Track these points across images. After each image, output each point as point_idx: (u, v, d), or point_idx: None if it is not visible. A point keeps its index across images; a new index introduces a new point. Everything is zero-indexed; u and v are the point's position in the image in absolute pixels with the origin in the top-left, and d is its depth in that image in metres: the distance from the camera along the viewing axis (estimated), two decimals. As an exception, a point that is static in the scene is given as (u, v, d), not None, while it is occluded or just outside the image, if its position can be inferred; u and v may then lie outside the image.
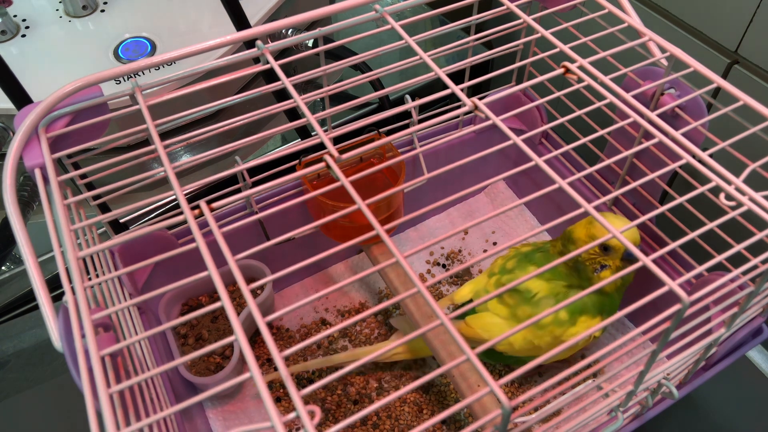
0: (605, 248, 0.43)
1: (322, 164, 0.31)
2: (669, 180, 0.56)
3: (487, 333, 0.46)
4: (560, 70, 0.35)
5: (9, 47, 0.64)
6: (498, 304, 0.46)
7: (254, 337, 0.54)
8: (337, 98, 0.67)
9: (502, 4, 0.41)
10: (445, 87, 0.35)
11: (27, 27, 0.66)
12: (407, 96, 0.48)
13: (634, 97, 0.33)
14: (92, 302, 0.30)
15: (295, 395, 0.22)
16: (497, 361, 0.49)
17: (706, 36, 0.67)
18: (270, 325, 0.54)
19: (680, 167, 0.32)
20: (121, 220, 0.48)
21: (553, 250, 0.47)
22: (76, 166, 0.38)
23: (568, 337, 0.44)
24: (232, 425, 0.48)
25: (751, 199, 0.28)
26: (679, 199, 0.30)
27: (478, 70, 0.69)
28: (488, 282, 0.48)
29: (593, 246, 0.27)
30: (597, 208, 0.28)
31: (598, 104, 0.35)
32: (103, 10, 0.68)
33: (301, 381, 0.51)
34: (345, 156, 0.31)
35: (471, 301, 0.48)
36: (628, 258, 0.43)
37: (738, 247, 0.29)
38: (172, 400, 0.43)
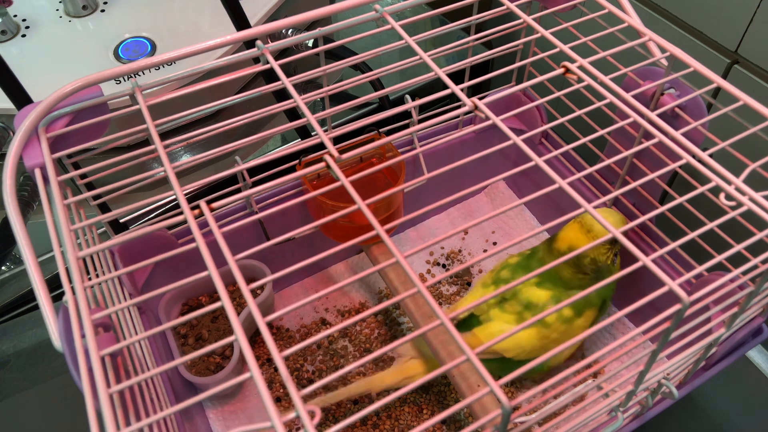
0: (614, 241, 0.44)
1: (322, 164, 0.31)
2: (669, 180, 0.56)
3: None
4: (560, 70, 0.35)
5: (9, 47, 0.64)
6: (501, 313, 0.46)
7: (254, 337, 0.54)
8: (337, 98, 0.67)
9: (502, 4, 0.41)
10: (445, 87, 0.35)
11: (27, 27, 0.66)
12: (407, 96, 0.48)
13: (634, 97, 0.33)
14: (92, 302, 0.30)
15: (295, 395, 0.22)
16: (511, 371, 0.48)
17: (706, 36, 0.67)
18: (270, 325, 0.54)
19: (680, 167, 0.32)
20: (121, 220, 0.48)
21: (548, 259, 0.47)
22: (76, 166, 0.38)
23: (576, 329, 0.45)
24: (232, 425, 0.48)
25: (751, 199, 0.28)
26: (679, 199, 0.30)
27: (478, 70, 0.69)
28: (484, 293, 0.49)
29: (588, 248, 0.27)
30: (597, 209, 0.28)
31: (598, 104, 0.35)
32: (103, 10, 0.68)
33: (301, 381, 0.51)
34: (345, 156, 0.31)
35: (472, 314, 0.48)
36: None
37: (738, 247, 0.29)
38: (172, 400, 0.43)
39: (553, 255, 0.46)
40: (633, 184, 0.31)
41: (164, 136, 0.34)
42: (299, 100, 0.34)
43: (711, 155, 0.31)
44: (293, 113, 0.54)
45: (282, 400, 0.50)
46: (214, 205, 0.29)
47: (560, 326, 0.45)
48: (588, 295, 0.44)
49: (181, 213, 0.29)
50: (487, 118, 0.32)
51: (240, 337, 0.24)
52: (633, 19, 0.39)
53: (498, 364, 0.47)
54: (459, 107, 0.35)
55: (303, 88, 0.70)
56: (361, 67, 0.61)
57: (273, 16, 0.67)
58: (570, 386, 0.28)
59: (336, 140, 0.34)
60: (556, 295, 0.45)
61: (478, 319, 0.47)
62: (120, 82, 0.59)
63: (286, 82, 0.35)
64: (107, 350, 0.25)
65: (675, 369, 0.35)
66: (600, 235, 0.44)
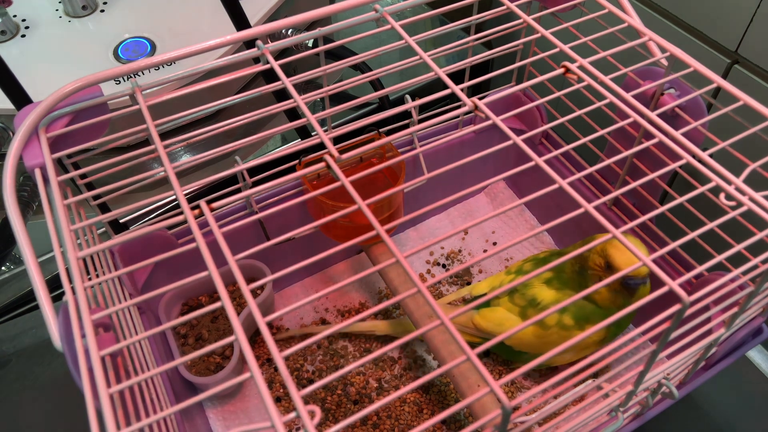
0: (609, 266, 0.43)
1: (322, 164, 0.31)
2: (669, 180, 0.56)
3: (498, 327, 0.47)
4: (560, 70, 0.35)
5: (9, 47, 0.64)
6: (509, 303, 0.48)
7: (254, 337, 0.54)
8: (337, 98, 0.67)
9: (502, 4, 0.41)
10: (445, 87, 0.35)
11: (27, 27, 0.66)
12: (407, 96, 0.48)
13: (634, 97, 0.33)
14: (92, 302, 0.30)
15: (295, 395, 0.22)
16: (508, 355, 0.50)
17: (706, 36, 0.67)
18: (270, 325, 0.54)
19: (680, 167, 0.32)
20: (121, 220, 0.48)
21: (570, 267, 0.46)
22: (76, 166, 0.38)
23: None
24: (232, 425, 0.48)
25: (751, 199, 0.28)
26: (679, 199, 0.30)
27: (478, 70, 0.69)
28: (504, 280, 0.50)
29: (587, 249, 0.27)
30: (597, 209, 0.28)
31: (598, 104, 0.35)
32: (102, 10, 0.68)
33: (301, 381, 0.51)
34: (345, 156, 0.31)
35: (485, 295, 0.49)
36: (626, 285, 0.42)
37: (738, 247, 0.29)
38: (172, 400, 0.43)
39: (575, 258, 0.46)
40: (633, 184, 0.31)
41: (164, 136, 0.34)
42: (299, 100, 0.34)
43: (711, 155, 0.31)
44: (293, 113, 0.54)
45: (282, 400, 0.50)
46: (214, 205, 0.29)
47: (558, 331, 0.45)
48: (587, 311, 0.44)
49: (181, 213, 0.29)
50: (487, 118, 0.32)
51: (240, 337, 0.24)
52: (633, 19, 0.39)
53: (496, 345, 0.48)
54: (459, 107, 0.35)
55: (303, 88, 0.70)
56: (361, 67, 0.61)
57: (273, 16, 0.67)
58: (570, 386, 0.28)
59: (336, 140, 0.34)
60: (561, 298, 0.45)
61: (488, 302, 0.48)
62: (120, 82, 0.59)
63: (286, 82, 0.35)
64: (107, 350, 0.25)
65: (675, 369, 0.35)
66: (612, 254, 0.42)
